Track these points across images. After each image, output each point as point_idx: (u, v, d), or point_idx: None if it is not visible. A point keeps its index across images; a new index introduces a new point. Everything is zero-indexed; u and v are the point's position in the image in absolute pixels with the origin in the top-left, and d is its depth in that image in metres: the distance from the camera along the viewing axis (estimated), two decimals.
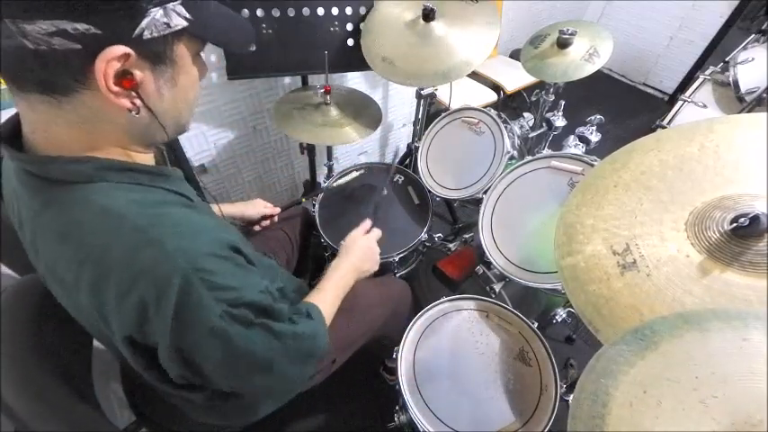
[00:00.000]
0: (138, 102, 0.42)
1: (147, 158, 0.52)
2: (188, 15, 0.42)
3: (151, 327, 0.43)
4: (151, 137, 0.49)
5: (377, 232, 0.89)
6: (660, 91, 2.75)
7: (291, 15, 1.06)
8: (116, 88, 0.40)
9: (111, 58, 0.37)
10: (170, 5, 0.41)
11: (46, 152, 0.44)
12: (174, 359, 0.45)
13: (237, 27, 0.52)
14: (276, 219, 0.99)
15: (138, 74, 0.41)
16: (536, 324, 0.90)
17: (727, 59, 1.48)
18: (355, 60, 1.16)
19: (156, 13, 0.39)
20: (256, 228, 1.01)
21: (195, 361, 0.46)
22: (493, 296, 1.08)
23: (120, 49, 0.38)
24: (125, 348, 0.46)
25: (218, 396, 0.56)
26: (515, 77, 2.00)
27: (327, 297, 0.73)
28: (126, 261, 0.41)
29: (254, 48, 0.54)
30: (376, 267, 0.84)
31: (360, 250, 0.83)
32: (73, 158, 0.43)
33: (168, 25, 0.41)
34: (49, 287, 0.54)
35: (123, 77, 0.40)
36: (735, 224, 0.49)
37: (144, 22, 0.39)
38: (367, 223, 0.90)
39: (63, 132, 0.43)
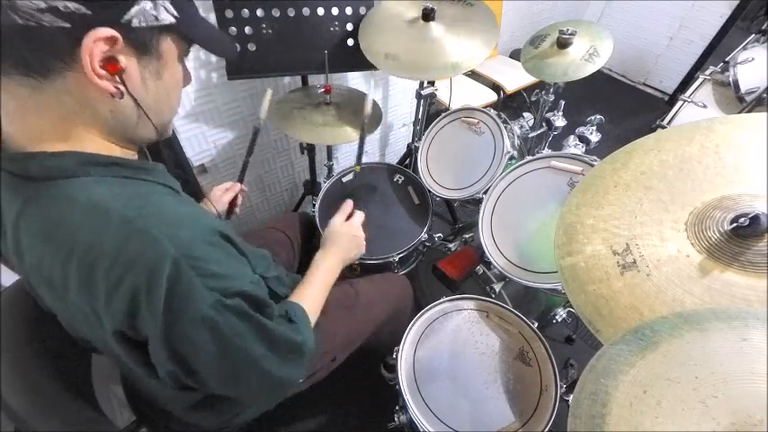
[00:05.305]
0: (121, 87, 0.43)
1: (128, 153, 0.51)
2: (176, 14, 0.44)
3: (142, 319, 0.43)
4: (134, 133, 0.49)
5: (359, 216, 0.85)
6: (660, 91, 2.74)
7: (291, 15, 1.06)
8: (101, 71, 0.40)
9: (99, 38, 0.38)
10: (160, 0, 0.42)
11: (24, 146, 0.43)
12: (164, 354, 0.44)
13: (218, 36, 0.54)
14: (245, 188, 0.95)
15: (123, 60, 0.42)
16: (536, 324, 0.90)
17: (727, 59, 1.48)
18: (355, 60, 1.15)
19: (146, 4, 0.41)
20: (237, 210, 0.97)
21: (186, 356, 0.45)
22: (493, 296, 1.08)
23: (108, 31, 0.38)
24: (117, 345, 0.46)
25: (205, 397, 0.54)
26: (515, 77, 2.00)
27: (313, 293, 0.72)
28: (114, 253, 0.41)
29: (233, 55, 0.55)
30: (362, 251, 0.81)
31: (343, 239, 0.80)
32: (53, 153, 0.42)
33: (156, 18, 0.42)
34: (37, 291, 0.53)
35: (108, 62, 0.40)
36: (735, 224, 0.49)
37: (133, 10, 0.40)
38: (348, 206, 0.85)
39: (42, 122, 0.42)
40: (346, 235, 0.82)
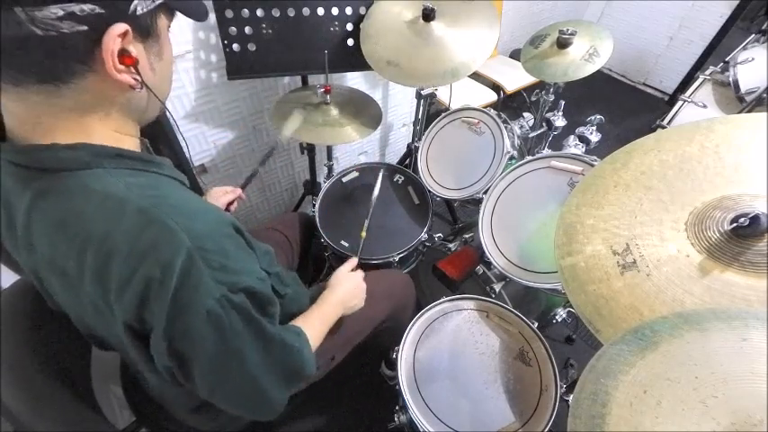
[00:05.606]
0: (137, 78, 0.44)
1: (135, 145, 0.52)
2: None
3: (150, 310, 0.43)
4: (146, 113, 0.51)
5: (361, 272, 0.89)
6: (660, 91, 2.75)
7: (291, 15, 1.06)
8: (120, 66, 0.41)
9: (116, 35, 0.39)
10: None
11: (34, 140, 0.43)
12: (163, 346, 0.44)
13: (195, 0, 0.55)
14: (244, 196, 0.96)
15: (134, 51, 0.42)
16: (536, 324, 0.90)
17: (727, 59, 1.48)
18: (355, 60, 1.16)
19: None
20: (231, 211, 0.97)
21: (183, 351, 0.45)
22: (493, 296, 1.08)
23: (122, 27, 0.39)
24: (126, 338, 0.46)
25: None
26: (515, 77, 2.00)
27: (314, 323, 0.72)
28: (129, 243, 0.41)
29: (207, 18, 0.56)
30: (362, 304, 0.85)
31: (348, 286, 0.83)
32: (67, 145, 0.43)
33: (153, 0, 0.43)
34: (46, 284, 0.53)
35: (123, 55, 0.41)
36: (735, 224, 0.49)
37: None
38: (353, 261, 0.90)
39: (56, 121, 0.43)
40: (352, 283, 0.84)
